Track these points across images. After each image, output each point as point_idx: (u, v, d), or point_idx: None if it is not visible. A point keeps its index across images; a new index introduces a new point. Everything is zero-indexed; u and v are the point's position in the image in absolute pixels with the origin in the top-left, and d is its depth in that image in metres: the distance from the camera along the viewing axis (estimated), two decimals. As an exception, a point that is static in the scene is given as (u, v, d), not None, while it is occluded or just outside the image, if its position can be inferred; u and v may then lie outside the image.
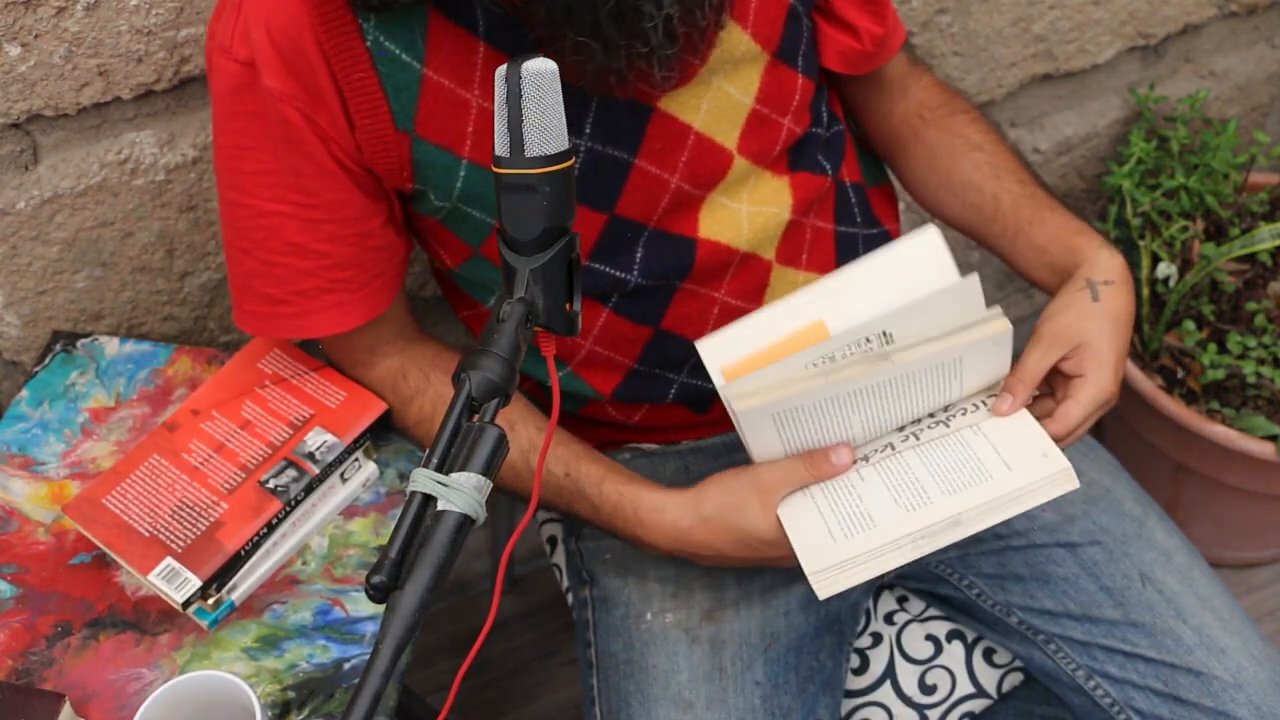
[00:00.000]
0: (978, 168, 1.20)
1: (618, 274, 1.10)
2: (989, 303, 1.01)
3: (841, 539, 0.99)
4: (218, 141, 1.03)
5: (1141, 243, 1.65)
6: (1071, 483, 0.98)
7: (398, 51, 0.96)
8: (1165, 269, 1.65)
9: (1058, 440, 1.02)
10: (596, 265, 1.10)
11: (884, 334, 1.00)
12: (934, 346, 0.98)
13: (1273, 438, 1.57)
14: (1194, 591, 1.15)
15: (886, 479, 1.02)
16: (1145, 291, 1.66)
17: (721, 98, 1.07)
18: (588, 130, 1.02)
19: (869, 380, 0.97)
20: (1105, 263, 1.10)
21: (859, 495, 1.01)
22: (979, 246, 1.90)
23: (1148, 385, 1.64)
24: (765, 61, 1.08)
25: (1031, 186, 1.18)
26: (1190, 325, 1.65)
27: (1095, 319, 1.06)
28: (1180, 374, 1.67)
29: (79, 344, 1.26)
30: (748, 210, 1.13)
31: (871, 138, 1.29)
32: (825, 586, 0.99)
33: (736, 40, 1.05)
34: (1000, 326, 0.99)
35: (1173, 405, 1.62)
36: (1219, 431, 1.59)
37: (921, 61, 1.28)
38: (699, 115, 1.06)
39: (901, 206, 1.74)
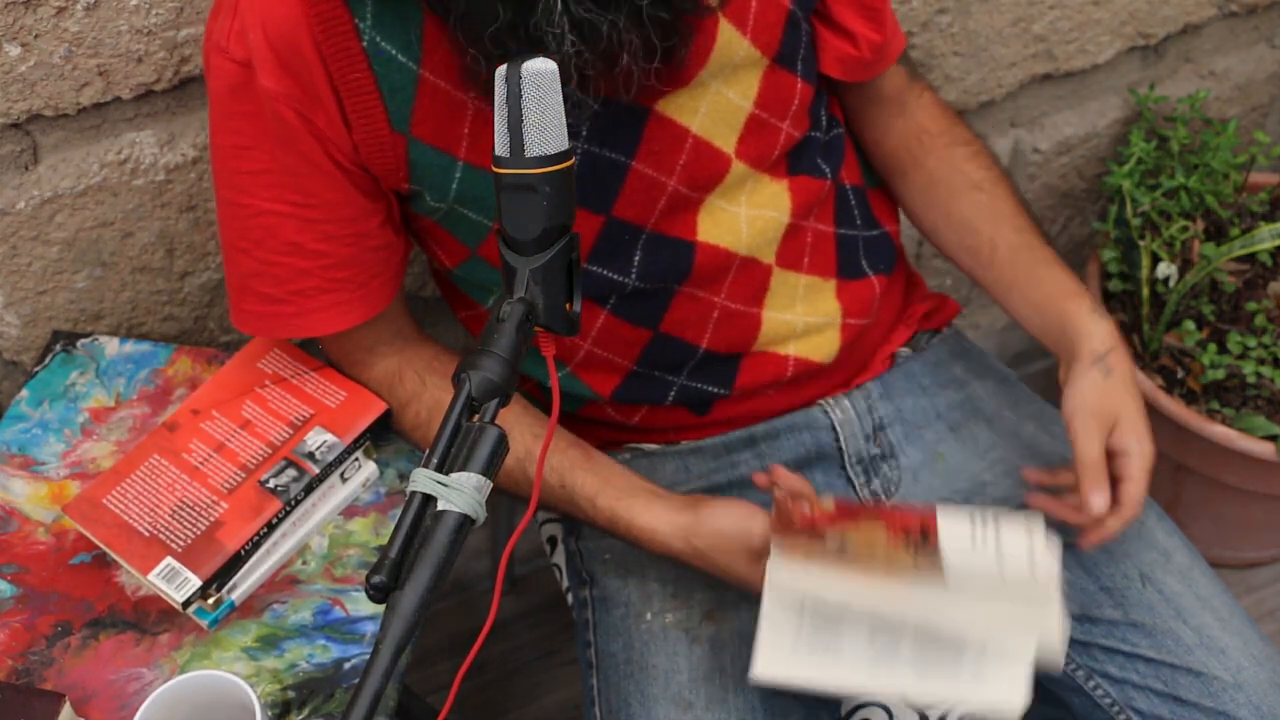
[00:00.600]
0: (976, 209, 1.21)
1: (615, 277, 1.10)
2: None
3: (803, 653, 1.01)
4: (215, 141, 1.03)
5: (1141, 243, 1.65)
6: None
7: (394, 52, 0.96)
8: (1165, 269, 1.65)
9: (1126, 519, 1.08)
10: (594, 268, 1.10)
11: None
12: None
13: (1273, 438, 1.57)
14: (1194, 591, 1.15)
15: (875, 618, 1.02)
16: (1145, 291, 1.66)
17: (720, 101, 1.06)
18: (584, 132, 1.02)
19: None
20: (1100, 333, 1.13)
21: (841, 618, 1.02)
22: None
23: (1148, 385, 1.64)
24: (764, 66, 1.08)
25: (1028, 234, 1.19)
26: (1190, 325, 1.65)
27: (1119, 393, 1.10)
28: (1180, 374, 1.67)
29: (79, 344, 1.26)
30: (746, 214, 1.12)
31: (870, 155, 1.29)
32: (762, 676, 1.01)
33: (736, 45, 1.05)
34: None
35: (1173, 405, 1.62)
36: (1219, 431, 1.59)
37: (922, 78, 1.28)
38: (697, 118, 1.06)
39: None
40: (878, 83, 1.22)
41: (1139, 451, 1.09)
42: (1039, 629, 1.00)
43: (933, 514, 1.03)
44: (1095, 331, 1.13)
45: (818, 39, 1.14)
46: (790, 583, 0.99)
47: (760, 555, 1.05)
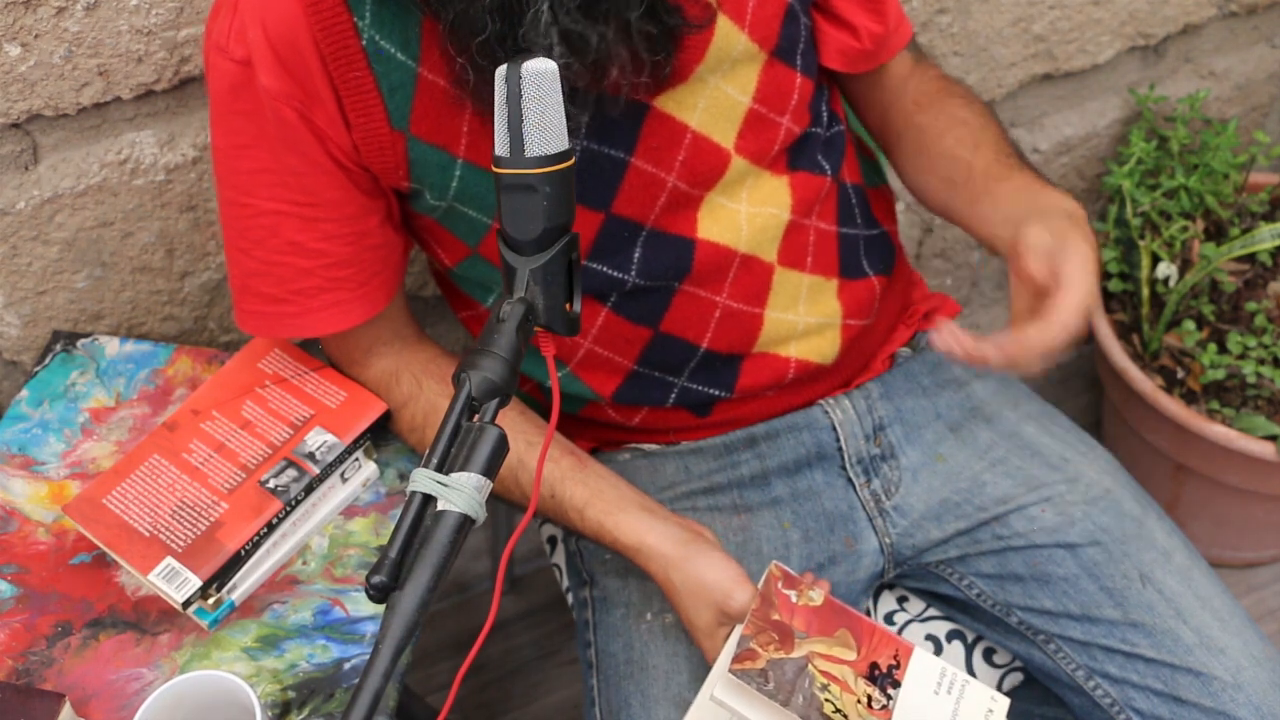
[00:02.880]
0: (959, 141, 1.17)
1: (615, 274, 1.10)
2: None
3: (750, 708, 1.00)
4: (215, 142, 1.03)
5: (1141, 243, 1.65)
6: None
7: (393, 50, 0.96)
8: (1165, 269, 1.66)
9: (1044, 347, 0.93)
10: (594, 265, 1.10)
11: None
12: None
13: (1273, 438, 1.57)
14: (1194, 591, 1.15)
15: None
16: (1145, 291, 1.66)
17: (719, 96, 1.06)
18: (583, 129, 1.02)
19: None
20: (1069, 203, 1.03)
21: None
22: (978, 246, 1.91)
23: (1148, 385, 1.64)
24: (763, 60, 1.08)
25: (1009, 156, 1.14)
26: (1190, 325, 1.65)
27: (1075, 235, 0.97)
28: (1180, 374, 1.67)
29: (79, 344, 1.26)
30: (746, 210, 1.12)
31: (873, 133, 1.29)
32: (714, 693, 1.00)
33: (733, 39, 1.05)
34: None
35: (1173, 405, 1.62)
36: (1219, 431, 1.59)
37: (928, 58, 1.27)
38: (695, 114, 1.06)
39: (900, 207, 1.74)
40: (883, 71, 1.22)
41: (1076, 277, 0.94)
42: None
43: (910, 647, 1.06)
44: (1063, 202, 1.03)
45: (818, 32, 1.14)
46: (727, 700, 0.99)
47: (727, 622, 1.06)
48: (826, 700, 0.99)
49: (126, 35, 1.14)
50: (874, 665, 1.03)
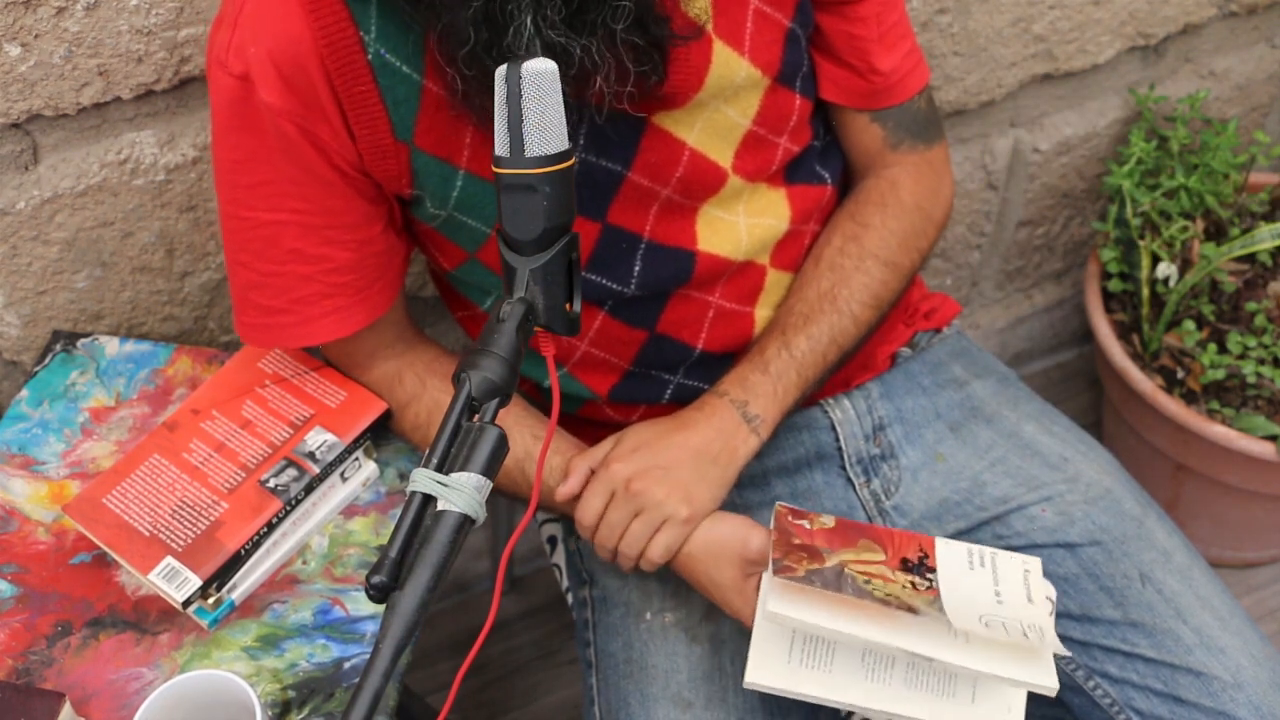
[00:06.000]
0: (806, 276, 1.18)
1: (614, 286, 1.10)
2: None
3: (795, 666, 1.02)
4: (216, 155, 1.03)
5: (1141, 243, 1.65)
6: None
7: (398, 64, 0.96)
8: (1165, 269, 1.65)
9: None
10: (592, 276, 1.10)
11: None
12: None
13: (1273, 438, 1.57)
14: (1194, 591, 1.15)
15: (869, 647, 1.02)
16: (1145, 291, 1.66)
17: (718, 118, 1.06)
18: (581, 141, 1.02)
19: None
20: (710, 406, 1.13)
21: (833, 643, 1.03)
22: (978, 247, 1.91)
23: (1148, 385, 1.64)
24: (766, 86, 1.08)
25: (788, 317, 1.16)
26: (1190, 325, 1.65)
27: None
28: (1180, 374, 1.67)
29: (79, 344, 1.26)
30: (745, 222, 1.12)
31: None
32: (754, 684, 1.03)
33: (735, 66, 1.04)
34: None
35: (1173, 405, 1.62)
36: (1219, 431, 1.59)
37: (913, 152, 1.20)
38: (693, 133, 1.06)
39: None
40: (851, 127, 1.20)
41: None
42: (1035, 657, 1.00)
43: (932, 540, 1.06)
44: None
45: (817, 65, 1.14)
46: (784, 611, 1.00)
47: (752, 567, 1.06)
48: (874, 589, 1.01)
49: (126, 35, 1.14)
50: (905, 560, 1.05)
